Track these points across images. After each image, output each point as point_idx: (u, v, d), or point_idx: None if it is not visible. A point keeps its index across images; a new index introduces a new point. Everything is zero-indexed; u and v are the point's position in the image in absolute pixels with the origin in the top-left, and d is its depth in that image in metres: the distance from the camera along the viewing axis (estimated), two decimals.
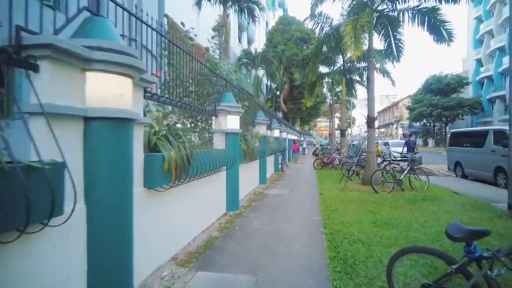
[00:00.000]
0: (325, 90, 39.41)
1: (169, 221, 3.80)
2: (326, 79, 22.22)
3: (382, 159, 10.37)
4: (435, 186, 9.13)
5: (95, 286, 2.36)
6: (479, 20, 45.53)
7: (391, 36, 10.45)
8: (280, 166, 14.48)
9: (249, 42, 33.59)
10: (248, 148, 7.48)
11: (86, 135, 2.32)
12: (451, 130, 12.74)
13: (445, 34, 9.24)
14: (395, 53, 10.67)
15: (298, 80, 21.36)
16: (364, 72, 18.18)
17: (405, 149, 12.86)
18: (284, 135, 17.63)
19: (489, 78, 42.74)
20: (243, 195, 7.83)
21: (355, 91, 23.23)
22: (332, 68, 17.75)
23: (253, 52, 24.59)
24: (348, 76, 17.91)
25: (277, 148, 13.42)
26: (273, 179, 11.65)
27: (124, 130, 2.52)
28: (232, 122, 6.29)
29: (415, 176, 8.90)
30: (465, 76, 43.53)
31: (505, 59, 38.62)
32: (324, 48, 15.99)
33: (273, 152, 12.57)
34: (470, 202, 6.98)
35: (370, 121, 9.36)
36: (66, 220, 1.99)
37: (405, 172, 8.53)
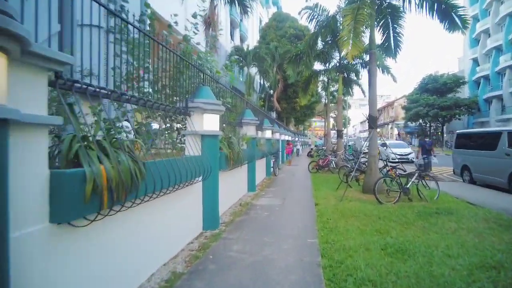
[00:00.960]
0: (320, 89, 38.64)
1: (102, 264, 2.66)
2: (321, 78, 21.24)
3: (385, 163, 9.35)
4: (445, 195, 8.09)
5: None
6: (475, 19, 44.93)
7: (391, 28, 9.40)
8: (272, 169, 13.39)
9: (242, 39, 32.44)
10: (233, 152, 6.36)
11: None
12: (457, 131, 11.75)
13: (458, 21, 8.24)
14: (393, 48, 9.63)
15: (291, 78, 20.31)
16: (361, 69, 17.24)
17: (419, 152, 11.66)
18: (277, 136, 16.56)
19: (486, 77, 42.17)
20: (226, 208, 6.71)
21: (351, 90, 22.28)
22: (327, 65, 16.71)
23: (245, 49, 23.41)
24: (344, 74, 16.91)
25: (269, 150, 12.33)
26: (264, 185, 10.54)
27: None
28: (210, 123, 5.17)
29: (424, 183, 7.86)
30: (462, 76, 42.92)
31: (502, 58, 38.07)
32: (319, 45, 15.00)
33: (264, 155, 11.48)
34: (492, 217, 5.94)
35: (371, 120, 8.30)
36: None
37: (412, 179, 7.48)
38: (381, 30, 9.52)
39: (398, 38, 9.38)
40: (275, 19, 29.94)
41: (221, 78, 7.39)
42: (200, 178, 4.71)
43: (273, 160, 13.60)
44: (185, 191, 4.37)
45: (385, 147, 23.45)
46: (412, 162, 21.19)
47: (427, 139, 12.09)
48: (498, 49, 39.69)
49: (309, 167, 14.81)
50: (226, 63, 21.14)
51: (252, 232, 5.15)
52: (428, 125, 46.55)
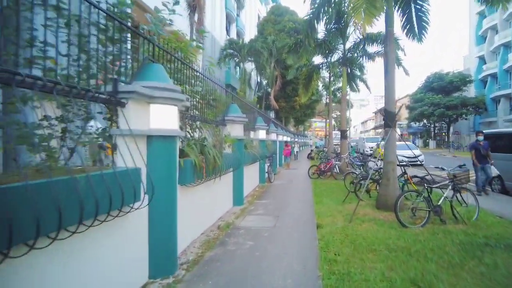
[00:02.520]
0: (320, 87, 36.93)
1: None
2: (323, 73, 19.52)
3: (402, 169, 7.60)
4: (485, 214, 6.33)
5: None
6: (482, 15, 43.22)
7: (412, 4, 7.63)
8: (267, 175, 11.64)
9: (239, 35, 30.67)
10: (206, 159, 4.62)
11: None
12: (485, 131, 9.97)
13: None
14: (416, 29, 7.86)
15: (290, 73, 18.76)
16: (366, 63, 15.55)
17: (474, 158, 8.95)
18: (273, 136, 14.81)
19: (493, 76, 40.47)
20: (197, 235, 4.97)
21: (356, 86, 20.57)
22: (330, 58, 14.96)
23: (240, 42, 21.65)
24: (348, 69, 15.17)
25: (263, 153, 10.60)
26: (255, 196, 8.79)
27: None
28: (161, 118, 3.42)
29: (458, 198, 6.09)
30: (468, 74, 41.13)
31: (511, 56, 36.33)
32: (321, 32, 13.26)
33: (257, 159, 9.75)
34: None
35: (389, 117, 6.52)
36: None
37: (445, 194, 5.71)
38: (399, 9, 7.71)
39: (423, 17, 7.58)
40: (273, 13, 28.20)
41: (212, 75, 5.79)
42: (140, 203, 2.96)
43: (268, 164, 11.86)
44: (114, 225, 2.65)
45: None
46: (421, 165, 19.33)
47: (480, 137, 8.86)
48: (507, 46, 37.96)
49: (309, 172, 13.06)
50: (219, 58, 19.44)
51: (223, 284, 3.40)
52: (432, 125, 44.82)
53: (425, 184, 6.01)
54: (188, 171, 4.14)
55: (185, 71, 4.67)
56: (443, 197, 5.62)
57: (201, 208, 5.15)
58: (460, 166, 5.98)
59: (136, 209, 2.90)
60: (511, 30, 36.59)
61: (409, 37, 7.92)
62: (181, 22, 14.21)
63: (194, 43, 5.41)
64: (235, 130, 7.11)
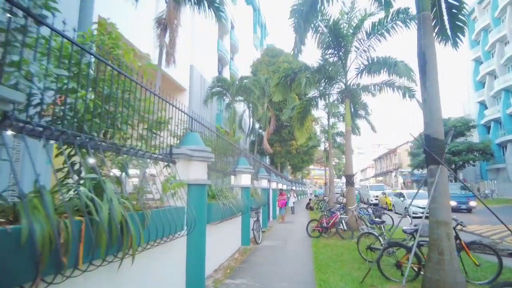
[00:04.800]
0: (319, 132, 35.03)
1: None
2: (321, 105, 17.50)
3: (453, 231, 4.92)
4: None
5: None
6: (478, 61, 43.12)
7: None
8: (252, 233, 8.82)
9: (232, 78, 29.46)
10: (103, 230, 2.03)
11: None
12: None
13: None
14: (450, 32, 5.73)
15: (285, 113, 16.70)
16: (367, 103, 13.55)
17: None
18: (264, 183, 12.18)
19: (496, 120, 39.05)
20: None
21: (357, 129, 18.45)
22: (329, 89, 12.90)
23: (228, 79, 19.92)
24: (351, 105, 13.06)
25: (246, 205, 7.93)
26: (228, 270, 5.92)
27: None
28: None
29: None
30: (471, 119, 39.61)
31: None
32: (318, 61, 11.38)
33: (238, 212, 7.08)
34: None
35: (434, 147, 4.04)
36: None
37: None
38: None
39: (457, 11, 5.45)
40: (267, 54, 27.19)
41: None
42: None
43: (255, 219, 9.08)
44: None
45: (402, 198, 18.88)
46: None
47: None
48: (508, 91, 37.02)
49: (308, 229, 10.20)
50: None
51: None
52: None
53: (498, 255, 3.34)
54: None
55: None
56: None
57: None
58: None
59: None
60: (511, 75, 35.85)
61: (440, 42, 5.72)
62: (146, 43, 12.24)
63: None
64: (193, 171, 4.55)
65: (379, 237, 6.10)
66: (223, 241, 6.56)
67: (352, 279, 5.16)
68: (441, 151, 4.03)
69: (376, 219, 9.69)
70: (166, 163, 3.88)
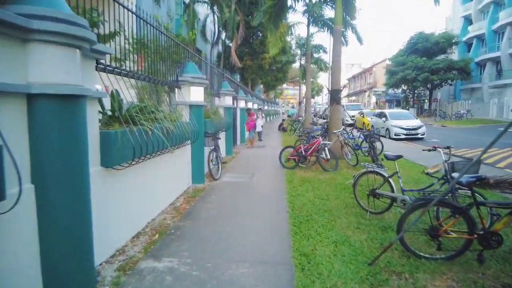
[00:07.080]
0: (294, 46, 31.54)
1: None
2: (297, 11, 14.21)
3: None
4: None
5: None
6: None
7: None
8: (210, 167, 6.64)
9: None
10: None
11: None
12: None
13: None
14: None
15: (256, 18, 13.36)
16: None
17: None
18: (227, 101, 9.64)
19: (479, 38, 36.97)
20: None
21: (344, 37, 15.56)
22: None
23: None
24: None
25: (192, 131, 5.51)
26: (155, 238, 3.76)
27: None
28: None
29: None
30: (454, 35, 37.16)
31: (502, 14, 32.50)
32: None
33: (187, 139, 4.77)
34: None
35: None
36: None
37: None
38: None
39: None
40: None
41: None
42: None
43: (212, 148, 6.79)
44: None
45: (383, 119, 17.24)
46: (422, 139, 15.06)
47: None
48: (497, 3, 34.17)
49: (281, 159, 8.17)
50: None
51: None
52: (412, 92, 41.25)
53: None
54: None
55: None
56: None
57: None
58: None
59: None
60: None
61: None
62: None
63: None
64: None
65: (390, 180, 4.03)
66: (158, 183, 4.32)
67: (354, 253, 3.17)
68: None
69: (364, 146, 7.76)
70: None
